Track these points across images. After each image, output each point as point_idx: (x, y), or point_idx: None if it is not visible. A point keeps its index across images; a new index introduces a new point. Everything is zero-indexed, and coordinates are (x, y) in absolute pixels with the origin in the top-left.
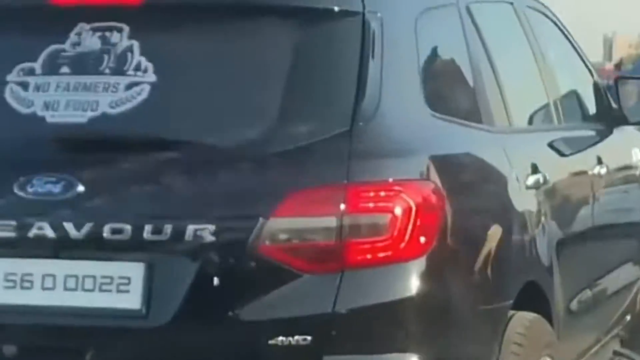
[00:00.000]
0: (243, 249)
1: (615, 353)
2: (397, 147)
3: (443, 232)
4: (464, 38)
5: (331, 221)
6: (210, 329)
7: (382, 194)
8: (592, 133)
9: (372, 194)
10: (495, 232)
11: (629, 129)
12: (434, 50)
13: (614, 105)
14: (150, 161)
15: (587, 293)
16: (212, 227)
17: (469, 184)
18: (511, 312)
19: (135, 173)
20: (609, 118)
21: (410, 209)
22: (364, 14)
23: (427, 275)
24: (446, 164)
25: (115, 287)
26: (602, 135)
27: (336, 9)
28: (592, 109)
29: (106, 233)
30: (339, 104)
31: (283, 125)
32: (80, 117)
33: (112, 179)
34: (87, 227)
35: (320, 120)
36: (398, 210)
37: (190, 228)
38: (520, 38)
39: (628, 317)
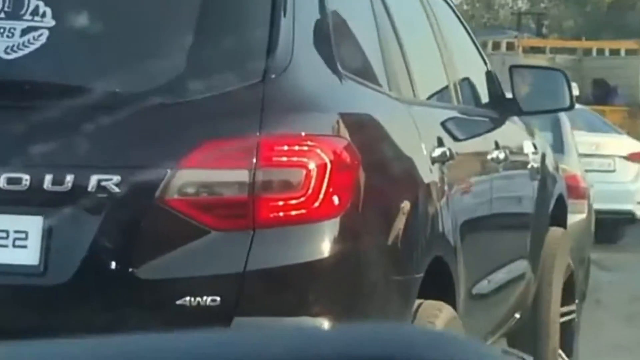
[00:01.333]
0: (150, 202)
1: (504, 351)
2: (310, 101)
3: (357, 193)
4: (371, 7)
5: (243, 174)
6: (112, 288)
7: (296, 148)
8: (487, 119)
9: (285, 147)
10: (405, 202)
11: (520, 119)
12: (345, 13)
13: (506, 94)
14: (52, 109)
15: (485, 283)
16: (117, 178)
17: (381, 146)
18: (419, 301)
19: (35, 121)
20: (502, 106)
21: (325, 165)
22: None
23: (340, 238)
24: (359, 123)
25: (11, 241)
26: (497, 122)
27: None
28: (486, 96)
29: (2, 183)
30: (251, 56)
31: (194, 75)
32: None
33: (9, 127)
34: None
35: (232, 71)
36: (312, 166)
37: (94, 178)
38: (423, 19)
39: (517, 315)
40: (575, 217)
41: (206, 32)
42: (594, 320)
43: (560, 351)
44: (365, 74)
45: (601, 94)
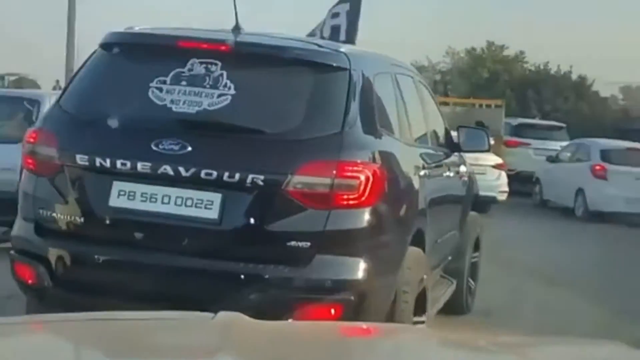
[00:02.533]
0: (279, 191)
1: (441, 276)
2: (364, 143)
3: (383, 193)
4: (394, 91)
5: (328, 181)
6: (255, 234)
7: (355, 168)
8: (443, 153)
9: (350, 168)
10: (407, 198)
11: (459, 154)
12: (381, 95)
13: (454, 140)
14: (230, 138)
15: (438, 241)
16: (262, 177)
17: (395, 168)
18: (409, 247)
19: (221, 144)
20: (451, 146)
21: (368, 178)
22: (350, 69)
23: (375, 216)
24: (385, 155)
25: (204, 205)
26: (448, 154)
27: (334, 64)
28: (443, 139)
29: (202, 174)
30: (336, 118)
31: (305, 126)
32: (192, 109)
33: (207, 146)
34: (191, 170)
35: (326, 125)
36: (362, 179)
37: (250, 176)
38: (415, 96)
39: (450, 257)
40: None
41: (311, 102)
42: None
43: (469, 279)
44: (389, 128)
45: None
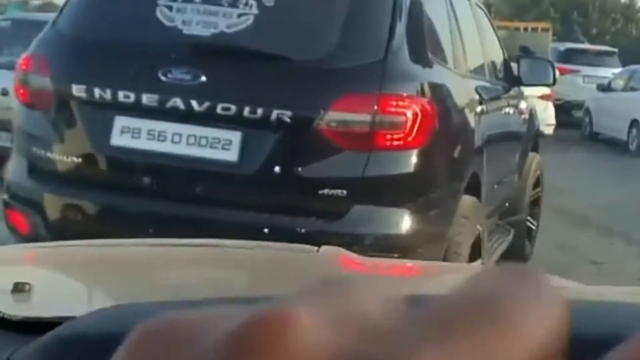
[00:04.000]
0: (309, 129)
1: (498, 224)
2: (410, 74)
3: (434, 132)
4: (447, 14)
5: (367, 117)
6: (283, 179)
7: (400, 103)
8: (502, 87)
9: (394, 102)
10: (461, 138)
11: (520, 88)
12: (432, 17)
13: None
14: (252, 65)
15: (495, 186)
16: (289, 113)
17: (448, 103)
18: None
19: (241, 72)
20: (511, 80)
21: (417, 114)
22: None
23: (424, 159)
24: (437, 88)
25: (221, 145)
26: (507, 89)
27: None
28: (502, 72)
29: (218, 109)
30: (377, 44)
31: (344, 52)
32: (207, 32)
33: (225, 74)
34: (206, 104)
35: (366, 52)
36: (409, 115)
37: (275, 112)
38: (471, 19)
39: (507, 204)
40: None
41: (352, 27)
42: None
43: (529, 218)
44: (441, 57)
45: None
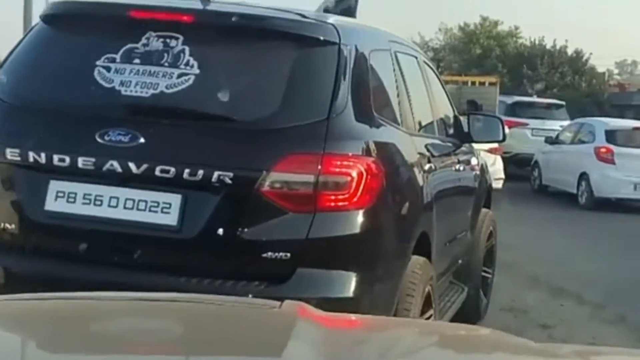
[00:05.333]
0: (251, 191)
1: (451, 282)
2: (355, 133)
3: (380, 192)
4: (393, 71)
5: (311, 177)
6: (222, 243)
7: (345, 162)
8: (452, 144)
9: (338, 162)
10: (409, 198)
11: (472, 144)
12: (378, 75)
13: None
14: (193, 126)
15: (447, 244)
16: (231, 174)
17: (395, 162)
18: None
19: (181, 133)
20: (461, 136)
21: (362, 174)
22: (339, 44)
23: (369, 220)
24: (383, 148)
25: (160, 209)
26: (457, 146)
27: (321, 38)
28: (452, 129)
29: (157, 171)
30: (321, 103)
31: (285, 112)
32: (146, 93)
33: (165, 135)
34: (144, 166)
35: (309, 111)
36: (354, 175)
37: (216, 173)
38: (420, 80)
39: (460, 261)
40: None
41: (295, 86)
42: None
43: (484, 268)
44: (388, 115)
45: (472, 108)
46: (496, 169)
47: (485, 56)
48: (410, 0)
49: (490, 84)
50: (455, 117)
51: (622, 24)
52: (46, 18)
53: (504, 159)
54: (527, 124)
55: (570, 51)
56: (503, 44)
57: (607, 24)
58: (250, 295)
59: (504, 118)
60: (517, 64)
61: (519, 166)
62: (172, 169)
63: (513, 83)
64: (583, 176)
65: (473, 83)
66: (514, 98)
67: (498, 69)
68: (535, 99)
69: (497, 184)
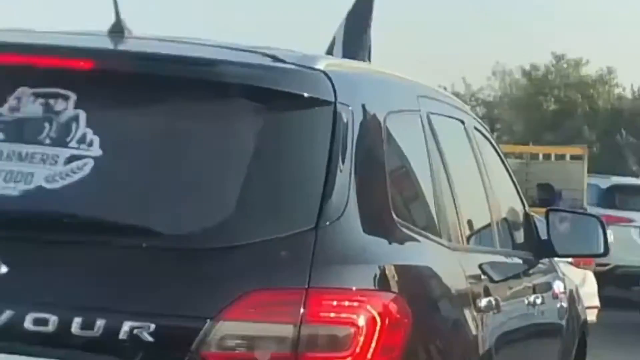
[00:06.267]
0: (185, 356)
1: None
2: (362, 252)
3: (407, 353)
4: (425, 146)
5: (287, 330)
6: None
7: (345, 303)
8: (523, 260)
9: (334, 302)
10: (456, 354)
11: (554, 260)
12: (401, 153)
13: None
14: (86, 246)
15: None
16: (151, 326)
17: (430, 299)
18: None
19: (68, 258)
20: (537, 248)
21: (374, 322)
22: (335, 103)
23: None
24: (410, 275)
25: None
26: (532, 264)
27: (305, 94)
28: (522, 237)
29: (28, 323)
30: (304, 202)
31: (240, 218)
32: (12, 190)
33: (41, 262)
34: (6, 315)
35: (283, 215)
36: (361, 323)
37: (127, 325)
38: (470, 157)
39: None
40: None
41: (259, 171)
42: None
43: None
44: (417, 220)
45: (547, 197)
46: (586, 293)
47: (564, 114)
48: (449, 30)
49: (574, 157)
50: (526, 215)
51: None
52: None
53: (597, 275)
54: (632, 220)
55: None
56: (590, 95)
57: None
58: None
59: (598, 212)
60: (613, 126)
61: (621, 286)
62: (53, 319)
63: (608, 156)
64: None
65: (547, 156)
66: (611, 179)
67: (584, 135)
68: None
69: (591, 315)
